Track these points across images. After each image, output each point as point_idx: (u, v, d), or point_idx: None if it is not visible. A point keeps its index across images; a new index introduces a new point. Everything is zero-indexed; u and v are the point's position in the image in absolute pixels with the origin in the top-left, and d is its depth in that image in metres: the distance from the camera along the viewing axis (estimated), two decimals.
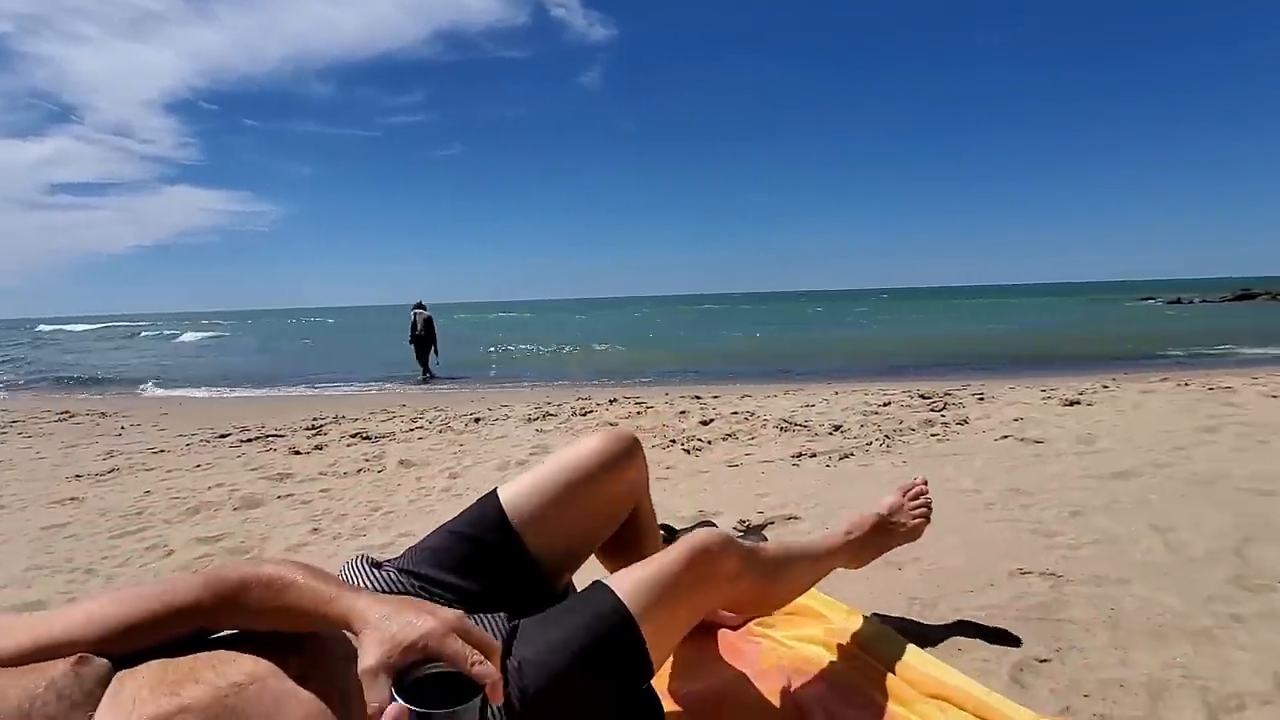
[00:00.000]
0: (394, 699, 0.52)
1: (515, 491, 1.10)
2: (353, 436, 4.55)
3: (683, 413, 4.98)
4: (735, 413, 4.83)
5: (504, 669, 0.82)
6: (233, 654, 0.64)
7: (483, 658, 0.56)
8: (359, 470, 3.53)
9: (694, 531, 1.03)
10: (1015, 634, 1.44)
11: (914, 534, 1.41)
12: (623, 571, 0.97)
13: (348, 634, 0.61)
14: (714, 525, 2.06)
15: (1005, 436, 3.47)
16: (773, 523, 2.22)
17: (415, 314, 11.13)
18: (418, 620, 0.57)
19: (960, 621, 1.51)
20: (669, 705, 1.18)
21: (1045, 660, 1.34)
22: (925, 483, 1.45)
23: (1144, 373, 7.47)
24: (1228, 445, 3.07)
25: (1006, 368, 9.50)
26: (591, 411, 5.50)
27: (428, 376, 11.11)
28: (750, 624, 1.50)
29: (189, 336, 30.69)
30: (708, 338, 20.49)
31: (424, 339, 11.17)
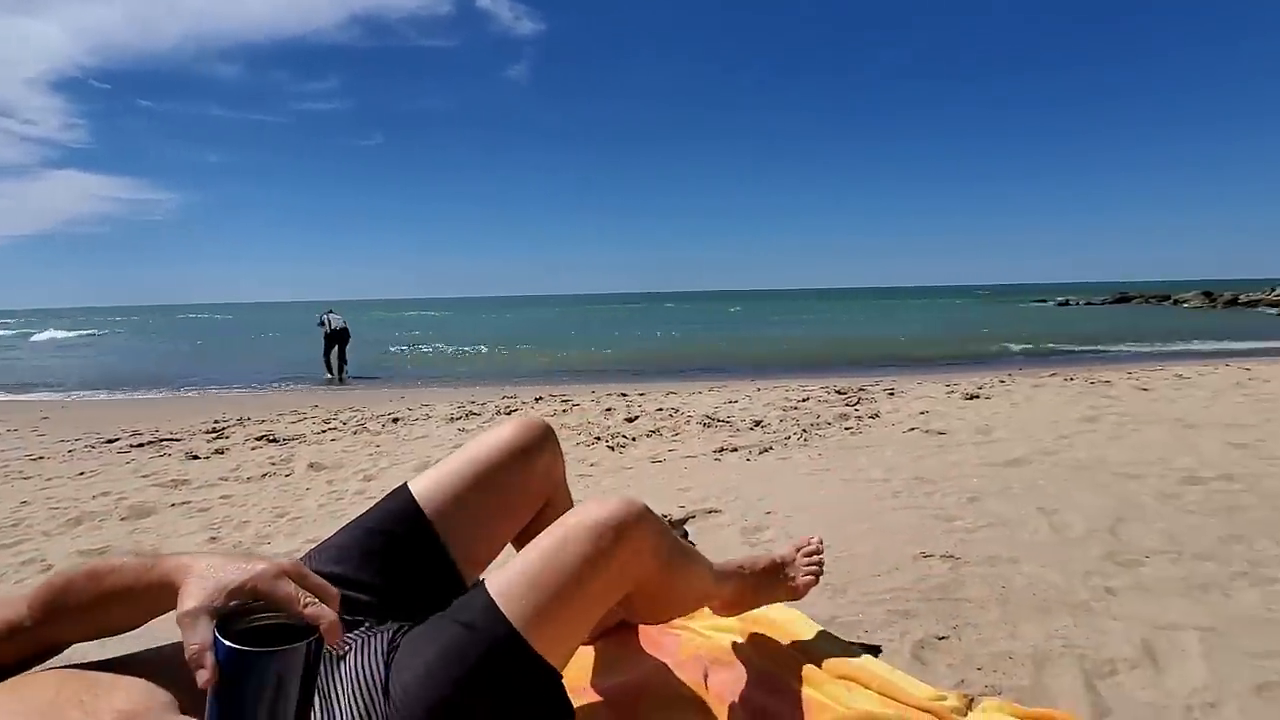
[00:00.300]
0: (218, 642, 0.47)
1: (427, 483, 1.05)
2: (258, 439, 4.29)
3: (608, 410, 4.98)
4: (660, 409, 4.87)
5: (386, 694, 0.77)
6: (112, 679, 0.58)
7: (317, 600, 0.52)
8: (264, 475, 3.33)
9: (584, 503, 0.93)
10: (914, 615, 1.52)
11: (801, 591, 1.31)
12: (506, 567, 0.87)
13: None
14: None
15: (913, 429, 3.67)
16: (694, 516, 2.25)
17: (329, 316, 10.76)
18: (247, 564, 0.53)
19: (867, 605, 1.58)
20: (589, 701, 1.18)
21: (944, 637, 1.43)
22: (821, 541, 1.38)
23: (1036, 368, 8.08)
24: (1105, 434, 3.36)
25: (913, 365, 10.05)
26: (517, 410, 5.42)
27: (341, 378, 10.69)
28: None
29: (48, 336, 27.52)
30: (636, 336, 20.60)
31: (341, 334, 10.76)
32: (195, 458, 3.80)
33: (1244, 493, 2.31)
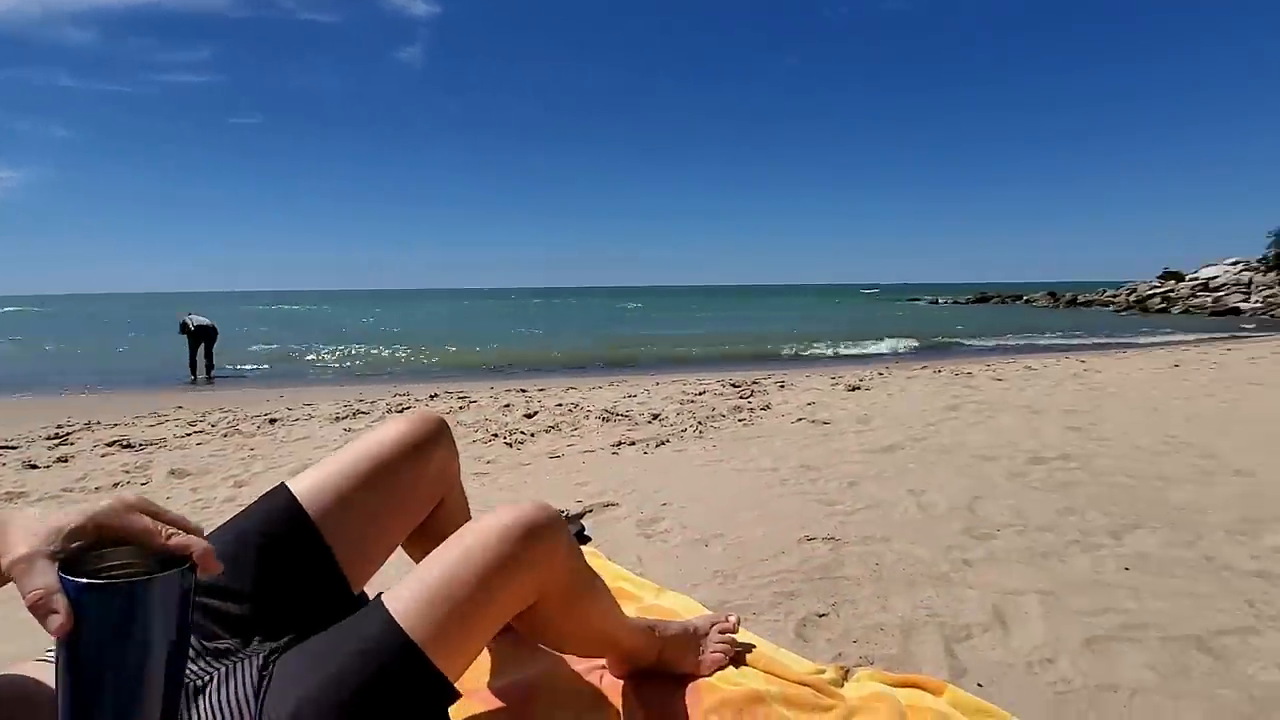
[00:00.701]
0: (66, 582, 0.41)
1: (309, 482, 0.96)
2: (109, 445, 3.84)
3: (507, 406, 4.89)
4: (560, 405, 4.84)
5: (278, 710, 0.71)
6: None
7: (179, 530, 0.47)
8: (115, 484, 2.99)
9: (493, 509, 0.90)
10: (798, 595, 1.60)
11: (705, 669, 1.21)
12: (406, 580, 0.82)
13: None
14: None
15: (800, 419, 3.86)
16: (591, 510, 2.26)
17: (190, 317, 9.90)
18: (88, 504, 0.47)
19: (755, 588, 1.64)
20: (484, 705, 1.15)
21: (824, 615, 1.51)
22: (738, 621, 1.34)
23: (909, 362, 8.75)
24: (966, 421, 3.69)
25: (801, 361, 10.60)
26: (410, 407, 5.19)
27: (206, 377, 9.86)
28: None
29: None
30: (536, 334, 20.33)
31: (206, 333, 9.90)
32: (34, 467, 3.36)
33: (1078, 470, 2.61)
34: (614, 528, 2.10)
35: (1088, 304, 27.38)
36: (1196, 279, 23.37)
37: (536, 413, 4.47)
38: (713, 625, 1.28)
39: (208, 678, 0.74)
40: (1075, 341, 13.17)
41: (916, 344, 13.36)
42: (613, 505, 2.31)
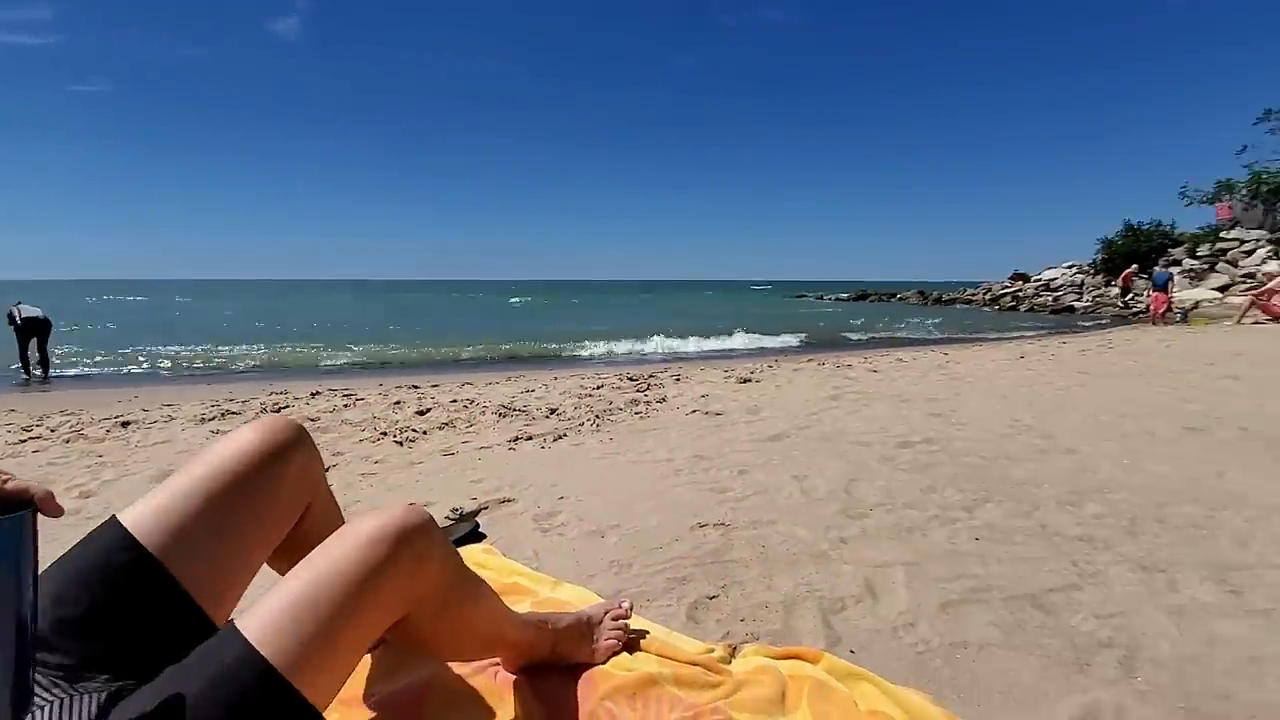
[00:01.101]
0: None
1: (142, 509, 0.85)
2: None
3: (397, 403, 4.69)
4: (454, 401, 4.70)
5: None
6: None
7: (11, 475, 0.45)
8: None
9: (357, 515, 0.87)
10: (690, 580, 1.67)
11: (600, 655, 1.24)
12: (264, 600, 0.75)
13: None
14: None
15: (694, 411, 3.98)
16: (487, 507, 2.22)
17: (18, 308, 8.75)
18: None
19: (650, 576, 1.69)
20: (371, 713, 1.11)
21: (714, 597, 1.58)
22: (631, 607, 1.36)
23: (797, 355, 9.23)
24: (845, 409, 3.96)
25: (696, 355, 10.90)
26: (288, 406, 4.85)
27: (41, 375, 8.76)
28: None
29: None
30: (428, 326, 19.54)
31: (38, 326, 8.78)
32: None
33: (939, 452, 2.88)
34: (510, 523, 2.08)
35: (951, 302, 30.01)
36: (1040, 280, 26.28)
37: (430, 409, 4.32)
38: (605, 613, 1.30)
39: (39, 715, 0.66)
40: (938, 335, 14.42)
41: (796, 340, 14.11)
42: (509, 501, 2.28)
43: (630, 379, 5.83)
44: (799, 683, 1.21)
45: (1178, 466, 2.63)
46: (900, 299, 35.24)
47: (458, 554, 0.98)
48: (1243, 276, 17.15)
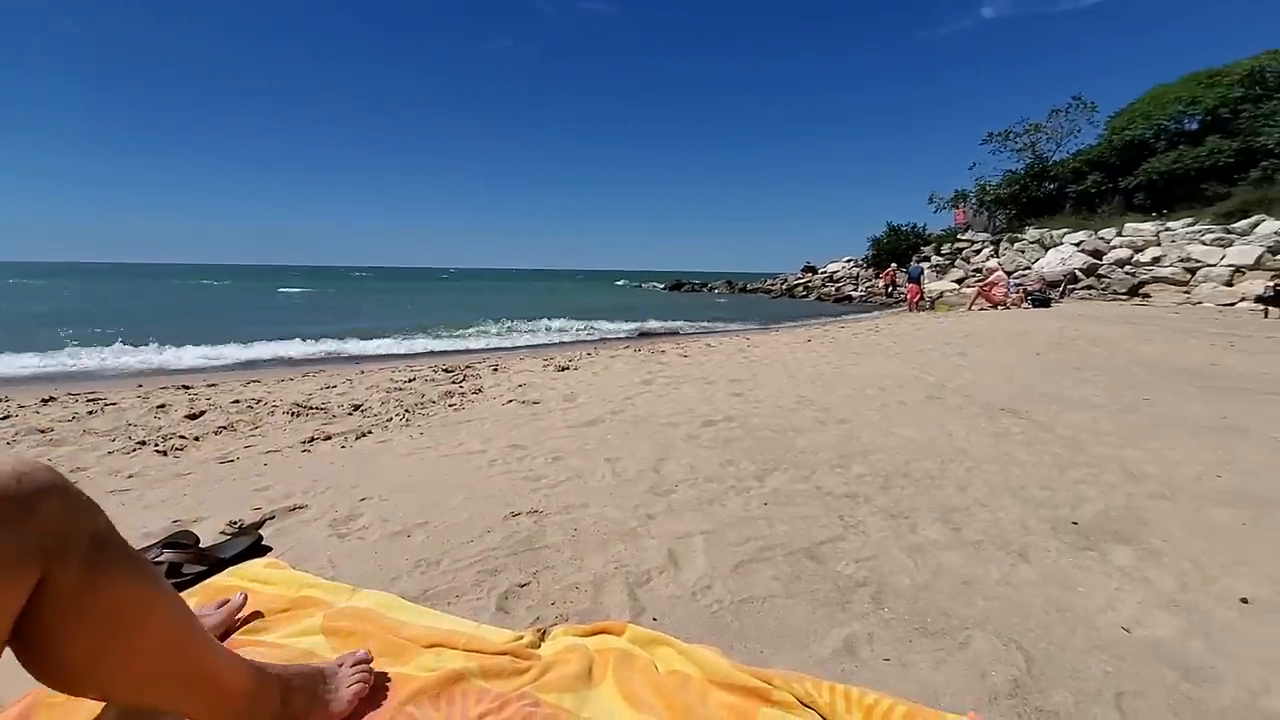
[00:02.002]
0: None
1: None
2: None
3: (161, 407, 4.03)
4: (237, 401, 4.16)
5: None
6: None
7: None
8: None
9: None
10: (501, 570, 1.65)
11: (344, 706, 1.06)
12: None
13: None
14: (191, 534, 1.74)
15: (511, 401, 3.93)
16: (273, 516, 2.00)
17: None
18: None
19: (458, 571, 1.65)
20: None
21: (525, 584, 1.58)
22: (369, 651, 1.21)
23: (614, 343, 9.49)
24: (656, 393, 4.16)
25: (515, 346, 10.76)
26: (11, 416, 3.94)
27: None
28: (235, 635, 1.33)
29: None
30: (199, 314, 16.98)
31: None
32: None
33: (737, 429, 3.14)
34: (301, 532, 1.89)
35: (754, 291, 32.79)
36: (825, 272, 29.71)
37: (203, 412, 3.78)
38: (341, 663, 1.15)
39: None
40: (738, 327, 15.69)
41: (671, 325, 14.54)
42: (300, 508, 2.08)
43: (445, 370, 5.59)
44: (605, 656, 1.26)
45: (920, 429, 3.14)
46: (711, 288, 37.73)
47: (107, 522, 0.79)
48: (974, 271, 20.84)
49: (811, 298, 26.56)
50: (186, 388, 5.08)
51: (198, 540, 1.73)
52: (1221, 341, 6.91)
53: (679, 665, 1.23)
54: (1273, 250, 13.43)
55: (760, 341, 8.25)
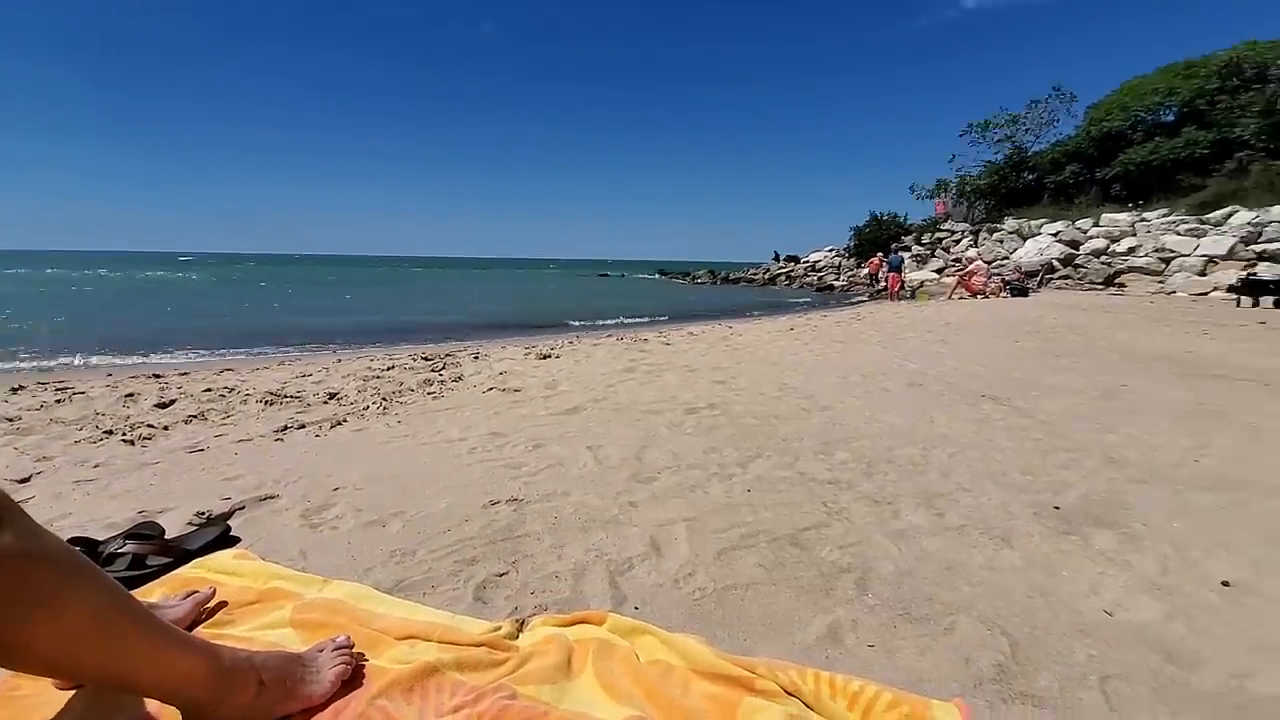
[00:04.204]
0: None
1: None
2: None
3: (130, 396, 3.92)
4: (209, 390, 4.06)
5: None
6: None
7: None
8: None
9: None
10: (479, 560, 1.61)
11: (326, 688, 1.03)
12: None
13: None
14: (156, 525, 1.68)
15: (491, 389, 3.88)
16: (243, 507, 1.94)
17: None
18: None
19: (435, 561, 1.60)
20: None
21: (504, 574, 1.54)
22: (351, 641, 1.17)
23: (596, 331, 9.43)
24: (639, 381, 4.12)
25: (499, 330, 10.66)
26: None
27: None
28: (200, 628, 1.27)
29: None
30: (166, 308, 16.62)
31: None
32: None
33: (720, 416, 3.12)
34: (272, 522, 1.84)
35: (737, 280, 32.82)
36: (808, 261, 29.79)
37: (174, 401, 3.68)
38: (322, 648, 1.12)
39: None
40: (717, 314, 15.69)
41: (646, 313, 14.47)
42: (272, 498, 2.02)
43: (425, 358, 5.51)
44: (584, 646, 1.22)
45: (903, 416, 3.14)
46: (694, 278, 37.70)
47: (24, 517, 0.76)
48: (953, 260, 21.02)
49: (794, 287, 26.65)
50: (157, 376, 4.95)
51: (163, 531, 1.67)
52: (1195, 330, 7.02)
53: (661, 655, 1.20)
54: (1245, 241, 13.67)
55: (743, 330, 8.25)
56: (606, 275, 48.82)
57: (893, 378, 4.21)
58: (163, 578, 1.49)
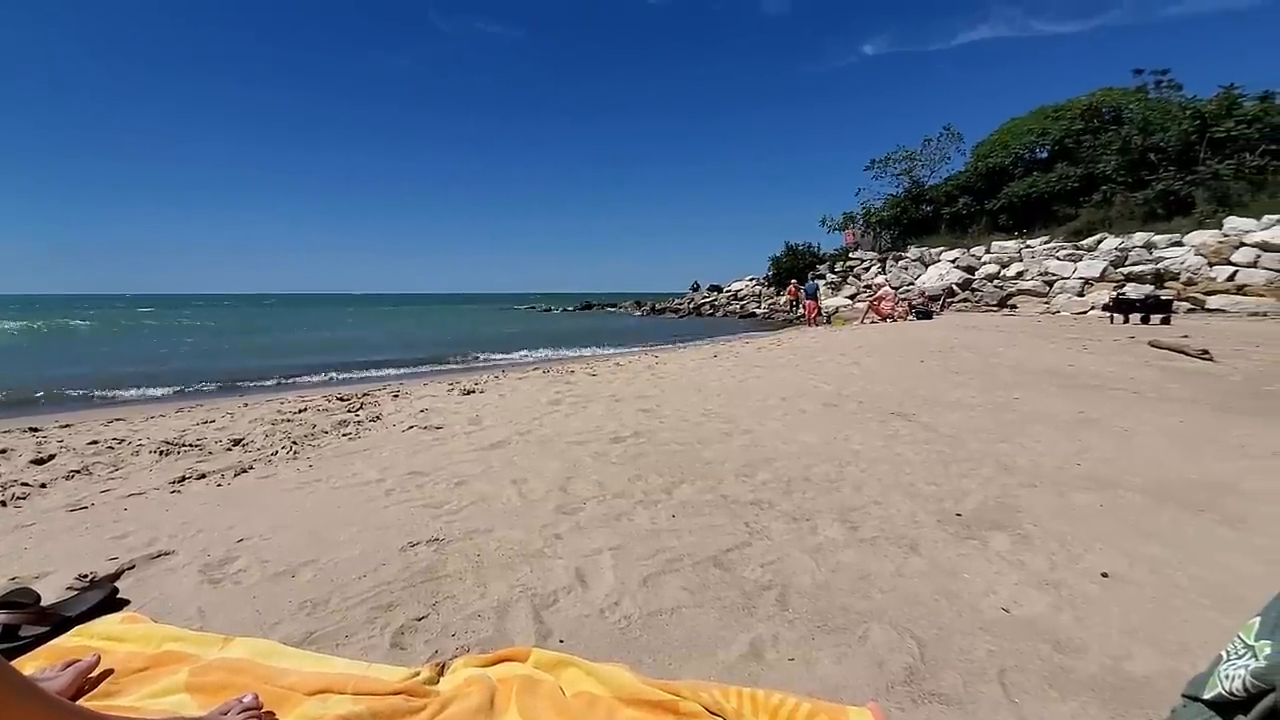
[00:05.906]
0: None
1: None
2: None
3: (1, 452, 3.55)
4: (95, 443, 3.73)
5: None
6: None
7: None
8: None
9: None
10: (397, 605, 1.55)
11: None
12: None
13: None
14: (30, 592, 1.53)
15: (411, 427, 3.76)
16: (133, 566, 1.79)
17: None
18: None
19: (348, 609, 1.53)
20: None
21: (423, 617, 1.49)
22: (256, 696, 1.13)
23: (522, 365, 9.33)
24: (564, 413, 4.10)
25: (420, 368, 10.35)
26: None
27: None
28: (82, 700, 1.16)
29: None
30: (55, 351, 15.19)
31: None
32: None
33: (645, 444, 3.15)
34: (166, 581, 1.70)
35: (662, 310, 33.37)
36: (730, 290, 30.71)
37: (53, 456, 3.36)
38: (226, 710, 1.07)
39: None
40: (643, 344, 15.89)
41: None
42: (166, 554, 1.87)
43: (340, 399, 5.28)
44: (508, 684, 1.20)
45: (820, 434, 3.27)
46: (621, 309, 37.99)
47: None
48: (865, 287, 22.19)
49: (719, 315, 27.32)
50: (34, 430, 4.51)
51: (38, 598, 1.52)
52: (1076, 345, 7.69)
53: (586, 686, 1.19)
54: (1114, 264, 15.17)
55: (668, 358, 8.37)
56: (534, 308, 48.54)
57: (810, 399, 4.39)
58: (38, 649, 1.35)
